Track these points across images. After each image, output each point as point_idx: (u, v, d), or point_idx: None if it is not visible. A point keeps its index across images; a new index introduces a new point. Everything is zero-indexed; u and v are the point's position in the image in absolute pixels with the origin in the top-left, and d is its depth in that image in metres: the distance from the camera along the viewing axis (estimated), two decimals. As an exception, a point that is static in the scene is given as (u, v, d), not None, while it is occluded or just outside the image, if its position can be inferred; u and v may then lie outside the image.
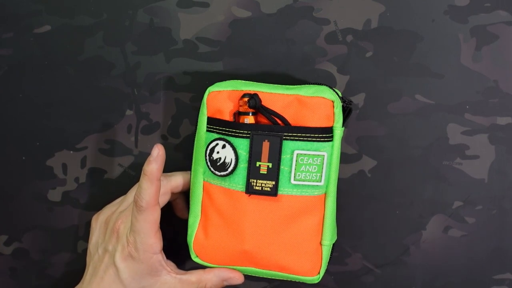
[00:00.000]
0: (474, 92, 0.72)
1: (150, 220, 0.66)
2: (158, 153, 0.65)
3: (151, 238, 0.66)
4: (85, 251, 0.76)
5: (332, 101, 0.64)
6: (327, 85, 0.66)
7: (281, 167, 0.64)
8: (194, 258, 0.69)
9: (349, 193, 0.73)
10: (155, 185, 0.65)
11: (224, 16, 0.73)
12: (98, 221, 0.71)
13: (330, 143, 0.65)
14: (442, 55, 0.71)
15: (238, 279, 0.68)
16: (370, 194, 0.73)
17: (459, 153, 0.72)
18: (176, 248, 0.75)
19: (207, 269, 0.69)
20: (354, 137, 0.73)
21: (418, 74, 0.72)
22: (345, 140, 0.72)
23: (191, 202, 0.69)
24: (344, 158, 0.73)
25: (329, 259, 0.68)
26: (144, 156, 0.74)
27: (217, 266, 0.68)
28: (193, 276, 0.68)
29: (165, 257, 0.69)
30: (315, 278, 0.67)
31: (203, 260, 0.68)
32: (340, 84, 0.72)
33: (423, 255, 0.73)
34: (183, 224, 0.72)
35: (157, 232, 0.67)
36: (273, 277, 0.68)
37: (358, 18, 0.72)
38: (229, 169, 0.65)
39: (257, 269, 0.67)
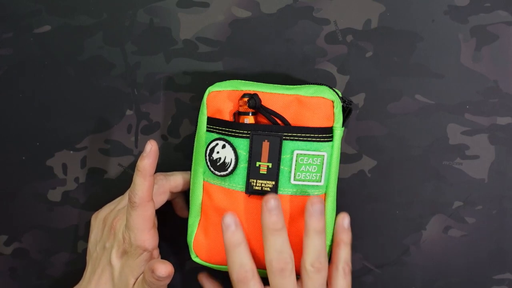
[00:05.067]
0: (474, 92, 0.72)
1: (144, 216, 0.65)
2: (151, 148, 0.65)
3: (145, 235, 0.66)
4: (85, 251, 0.76)
5: (332, 101, 0.64)
6: (327, 85, 0.66)
7: (281, 167, 0.64)
8: (194, 258, 0.69)
9: (349, 193, 0.73)
10: (148, 181, 0.65)
11: (224, 16, 0.73)
12: (97, 219, 0.71)
13: (330, 143, 0.65)
14: (442, 55, 0.71)
15: (160, 269, 0.63)
16: (370, 194, 0.73)
17: (459, 153, 0.72)
18: (176, 248, 0.75)
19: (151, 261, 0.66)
20: (354, 137, 0.73)
21: (418, 74, 0.72)
22: (345, 140, 0.72)
23: (191, 202, 0.69)
24: (344, 158, 0.73)
25: (329, 259, 0.68)
26: (144, 156, 0.74)
27: (216, 266, 0.68)
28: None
29: (158, 258, 0.68)
30: (315, 278, 0.67)
31: (203, 259, 0.68)
32: (340, 84, 0.72)
33: (423, 255, 0.73)
34: (183, 224, 0.72)
35: (151, 229, 0.66)
36: (273, 277, 0.68)
37: (358, 18, 0.72)
38: (229, 169, 0.65)
39: (257, 269, 0.67)
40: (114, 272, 0.67)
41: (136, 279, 0.67)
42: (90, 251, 0.71)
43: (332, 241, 0.67)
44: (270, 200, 0.62)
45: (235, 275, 0.63)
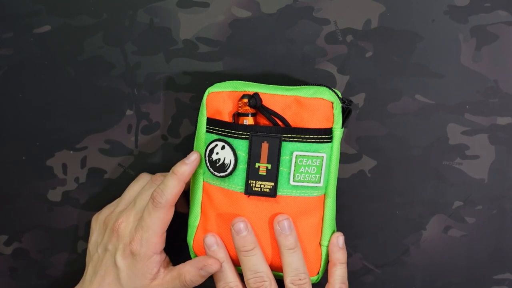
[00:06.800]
0: (474, 92, 0.72)
1: (163, 219, 0.66)
2: (195, 158, 0.66)
3: (157, 237, 0.66)
4: (85, 251, 0.76)
5: (332, 102, 0.64)
6: (326, 86, 0.66)
7: (280, 168, 0.64)
8: (193, 257, 0.69)
9: (349, 193, 0.73)
10: (181, 186, 0.66)
11: (224, 16, 0.73)
12: (98, 221, 0.71)
13: (329, 144, 0.65)
14: (442, 55, 0.71)
15: (213, 265, 0.66)
16: (370, 194, 0.73)
17: (459, 153, 0.72)
18: (176, 248, 0.74)
19: (186, 262, 0.67)
20: (354, 137, 0.73)
21: (418, 74, 0.72)
22: (345, 140, 0.72)
23: (191, 203, 0.69)
24: (344, 158, 0.73)
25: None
26: (144, 156, 0.74)
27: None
28: (175, 271, 0.67)
29: (167, 259, 0.69)
30: (315, 278, 0.67)
31: (203, 260, 0.68)
32: (340, 84, 0.72)
33: (423, 255, 0.73)
34: (183, 224, 0.72)
35: (164, 233, 0.67)
36: (272, 278, 0.68)
37: (358, 18, 0.72)
38: (229, 170, 0.65)
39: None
40: (121, 273, 0.67)
41: (153, 279, 0.67)
42: (91, 253, 0.71)
43: (329, 241, 0.67)
44: (237, 223, 0.64)
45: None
